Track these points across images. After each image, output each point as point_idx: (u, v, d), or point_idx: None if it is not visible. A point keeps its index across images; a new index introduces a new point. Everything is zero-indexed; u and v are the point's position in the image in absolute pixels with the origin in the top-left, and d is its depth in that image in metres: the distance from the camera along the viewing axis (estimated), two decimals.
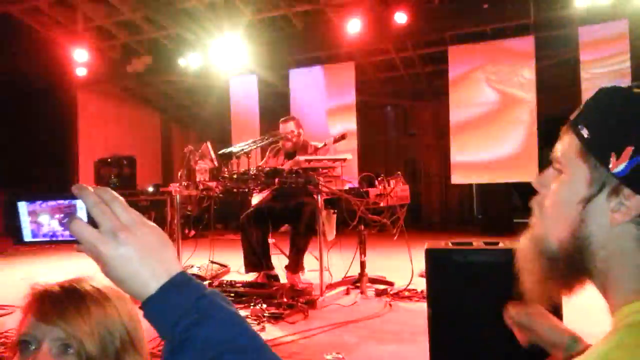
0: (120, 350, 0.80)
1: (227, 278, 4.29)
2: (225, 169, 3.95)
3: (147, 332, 0.83)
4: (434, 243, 2.01)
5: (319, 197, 3.57)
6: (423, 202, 10.19)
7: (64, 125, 9.77)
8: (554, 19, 7.06)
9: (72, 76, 9.05)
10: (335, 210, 4.02)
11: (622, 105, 0.59)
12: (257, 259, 4.16)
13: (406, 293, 3.71)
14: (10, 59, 8.07)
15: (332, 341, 2.76)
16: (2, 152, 8.63)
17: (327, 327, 2.99)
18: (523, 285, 0.68)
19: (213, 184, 3.97)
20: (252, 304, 3.36)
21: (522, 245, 0.69)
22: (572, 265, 0.63)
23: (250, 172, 3.79)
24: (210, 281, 4.11)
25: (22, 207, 0.61)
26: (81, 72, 9.02)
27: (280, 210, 4.19)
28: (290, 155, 4.31)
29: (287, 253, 4.32)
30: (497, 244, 1.89)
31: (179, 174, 4.21)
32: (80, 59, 8.77)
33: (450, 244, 1.97)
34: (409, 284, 3.77)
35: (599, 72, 6.82)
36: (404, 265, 3.84)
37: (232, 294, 3.66)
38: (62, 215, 0.61)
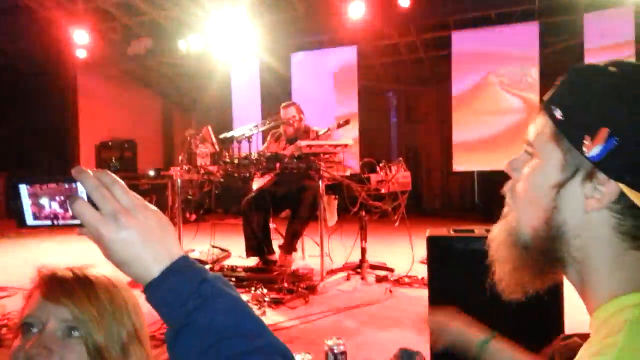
0: (127, 343, 0.78)
1: (228, 263, 4.31)
2: (227, 154, 3.94)
3: (146, 315, 0.83)
4: (435, 230, 2.01)
5: (320, 183, 3.56)
6: (424, 188, 10.18)
7: (64, 107, 9.72)
8: (559, 5, 6.97)
9: (72, 58, 8.98)
10: (337, 196, 4.02)
11: (597, 84, 0.55)
12: (258, 244, 4.17)
13: (406, 279, 3.72)
14: (10, 41, 8.00)
15: (332, 326, 2.77)
16: (2, 135, 8.61)
17: (328, 313, 3.01)
18: (496, 275, 0.65)
19: (214, 169, 3.97)
20: (253, 289, 3.37)
21: (495, 233, 0.66)
22: (546, 254, 0.59)
23: (252, 156, 3.78)
24: (211, 266, 4.12)
25: (24, 189, 0.61)
26: (81, 54, 8.95)
27: (281, 195, 4.19)
28: (291, 141, 4.30)
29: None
30: None
31: (180, 158, 4.19)
32: (81, 40, 8.69)
33: (452, 232, 1.97)
34: (410, 270, 3.78)
35: (604, 59, 6.74)
36: (404, 251, 3.85)
37: (233, 279, 3.67)
38: (62, 197, 0.60)
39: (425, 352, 1.80)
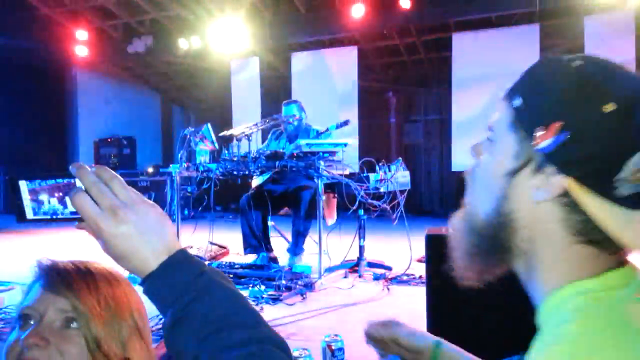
0: (127, 338, 0.75)
1: (226, 259, 4.32)
2: (226, 151, 3.95)
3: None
4: (434, 229, 2.02)
5: (319, 181, 3.57)
6: (423, 188, 10.19)
7: (64, 104, 9.72)
8: (559, 8, 6.99)
9: (72, 55, 8.99)
10: (336, 195, 4.03)
11: (559, 77, 0.55)
12: (256, 241, 4.18)
13: (404, 278, 3.73)
14: (11, 37, 8.00)
15: (329, 324, 2.78)
16: (1, 132, 8.60)
17: (325, 310, 3.02)
18: (453, 263, 0.64)
19: (213, 166, 3.98)
20: (250, 286, 3.38)
21: (454, 221, 0.65)
22: (495, 241, 0.59)
23: (251, 154, 3.79)
24: (209, 262, 4.12)
25: (23, 185, 0.62)
26: (82, 51, 8.95)
27: (280, 193, 4.20)
28: (292, 139, 4.31)
29: (286, 235, 4.33)
30: None
31: (179, 155, 4.20)
32: (81, 38, 8.70)
33: (450, 231, 1.98)
34: (407, 268, 3.79)
35: None
36: (402, 250, 3.86)
37: (231, 276, 3.68)
38: (61, 194, 0.62)
39: None
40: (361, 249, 4.01)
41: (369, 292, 3.45)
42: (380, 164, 3.89)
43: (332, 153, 3.81)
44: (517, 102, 0.56)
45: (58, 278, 0.73)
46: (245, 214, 4.19)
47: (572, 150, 0.51)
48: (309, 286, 3.44)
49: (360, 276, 3.88)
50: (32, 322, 0.71)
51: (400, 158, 4.15)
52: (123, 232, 0.56)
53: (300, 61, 8.58)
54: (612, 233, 0.51)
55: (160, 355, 0.94)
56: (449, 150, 8.00)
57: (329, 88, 8.28)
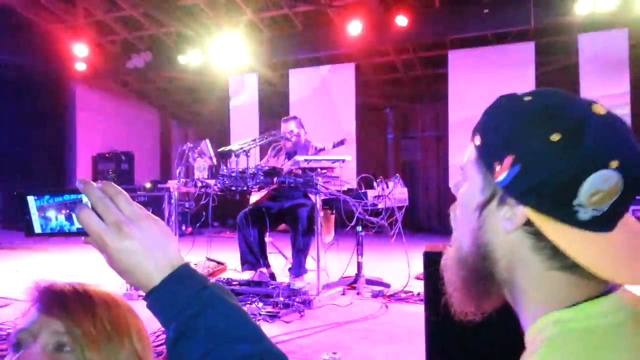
0: None
1: (223, 276, 4.30)
2: (224, 167, 3.96)
3: (146, 325, 0.80)
4: (432, 246, 2.02)
5: (317, 198, 3.58)
6: (421, 204, 10.20)
7: (62, 119, 9.73)
8: (554, 26, 7.08)
9: (71, 71, 9.03)
10: (334, 211, 4.03)
11: (509, 113, 0.58)
12: (253, 257, 4.16)
13: (402, 295, 3.72)
14: (10, 53, 8.04)
15: (327, 341, 2.76)
16: (1, 146, 8.61)
17: (323, 327, 3.00)
18: (448, 297, 0.67)
19: (212, 182, 3.98)
20: (248, 303, 3.36)
21: (447, 254, 0.68)
22: (480, 273, 0.62)
23: (249, 170, 3.79)
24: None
25: (31, 201, 0.63)
26: (80, 66, 9.00)
27: (277, 210, 4.20)
28: (291, 155, 4.32)
29: (284, 252, 4.31)
30: None
31: (177, 171, 4.21)
32: (80, 53, 8.75)
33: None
34: (406, 286, 3.78)
35: (598, 79, 6.85)
36: (400, 267, 3.85)
37: None
38: (67, 211, 0.63)
39: None
40: (359, 265, 4.00)
41: (367, 309, 3.44)
42: (377, 180, 3.90)
43: (330, 169, 3.83)
44: (477, 140, 0.60)
45: (53, 299, 0.71)
46: (243, 230, 4.18)
47: (524, 180, 0.54)
48: (307, 303, 3.43)
49: (358, 293, 3.87)
50: (25, 344, 0.69)
51: (397, 174, 4.17)
52: (127, 247, 0.57)
53: (298, 77, 8.65)
54: (574, 257, 0.53)
55: None
56: (446, 167, 8.03)
57: (326, 104, 8.33)
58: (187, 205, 4.49)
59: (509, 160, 0.55)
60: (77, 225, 0.61)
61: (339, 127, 7.83)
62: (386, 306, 3.48)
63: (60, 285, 0.73)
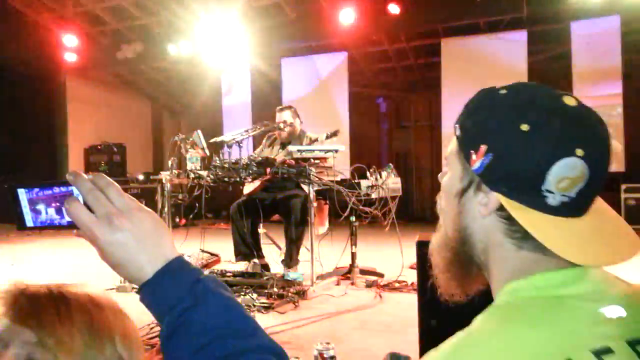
0: None
1: (217, 267, 4.29)
2: (217, 158, 3.93)
3: (135, 320, 0.78)
4: (425, 235, 2.02)
5: (310, 188, 3.57)
6: (414, 194, 10.22)
7: (53, 111, 9.64)
8: (546, 14, 7.08)
9: (61, 62, 8.93)
10: (327, 202, 4.02)
11: (485, 105, 0.62)
12: (247, 249, 4.16)
13: (396, 284, 3.74)
14: None
15: (322, 331, 2.77)
16: None
17: (317, 318, 3.01)
18: (435, 280, 0.71)
19: (204, 173, 3.95)
20: (242, 294, 3.36)
21: (434, 240, 0.72)
22: (461, 256, 0.66)
23: (242, 161, 3.77)
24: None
25: (22, 194, 0.62)
26: (71, 57, 8.90)
27: (271, 201, 4.18)
28: (285, 145, 4.30)
29: (278, 243, 4.30)
30: None
31: (170, 162, 4.18)
32: (70, 44, 8.66)
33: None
34: (399, 275, 3.80)
35: (591, 67, 6.86)
36: (394, 257, 3.86)
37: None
38: (58, 204, 0.62)
39: (415, 356, 1.81)
40: (353, 255, 4.00)
41: (362, 299, 3.45)
42: (371, 170, 3.89)
43: (324, 159, 3.81)
44: (457, 132, 0.65)
45: (26, 306, 0.64)
46: (236, 222, 4.17)
47: (496, 168, 0.58)
48: (301, 294, 3.43)
49: (352, 283, 3.88)
50: None
51: (390, 164, 4.15)
52: (118, 240, 0.56)
53: (290, 67, 8.60)
54: (541, 241, 0.56)
55: None
56: (439, 156, 8.03)
57: (319, 93, 8.30)
58: (180, 196, 4.47)
59: (483, 149, 0.59)
60: (67, 218, 0.60)
61: (332, 117, 7.81)
62: (380, 296, 3.49)
63: (34, 290, 0.67)
